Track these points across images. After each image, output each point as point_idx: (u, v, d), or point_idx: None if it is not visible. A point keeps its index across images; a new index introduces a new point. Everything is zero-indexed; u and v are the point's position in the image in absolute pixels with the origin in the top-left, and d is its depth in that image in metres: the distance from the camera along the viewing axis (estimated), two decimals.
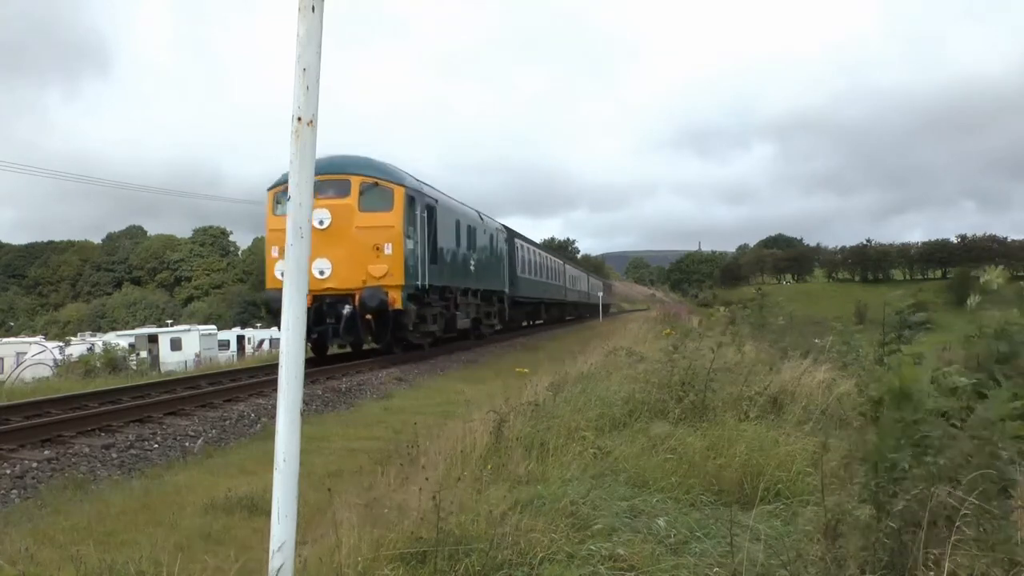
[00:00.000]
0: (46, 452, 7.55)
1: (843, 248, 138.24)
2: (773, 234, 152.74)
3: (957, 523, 2.68)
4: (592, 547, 3.52)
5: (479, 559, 3.35)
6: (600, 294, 55.58)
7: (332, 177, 15.97)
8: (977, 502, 2.71)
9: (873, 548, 2.84)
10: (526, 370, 6.50)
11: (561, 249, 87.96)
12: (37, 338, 46.51)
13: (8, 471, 6.84)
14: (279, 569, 2.71)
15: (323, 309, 15.96)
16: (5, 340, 44.49)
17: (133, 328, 55.46)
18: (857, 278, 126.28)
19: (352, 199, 16.24)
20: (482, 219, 25.16)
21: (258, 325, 55.94)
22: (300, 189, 2.78)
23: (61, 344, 40.16)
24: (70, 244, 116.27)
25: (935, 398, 3.12)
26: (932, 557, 2.65)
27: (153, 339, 40.33)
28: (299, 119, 2.77)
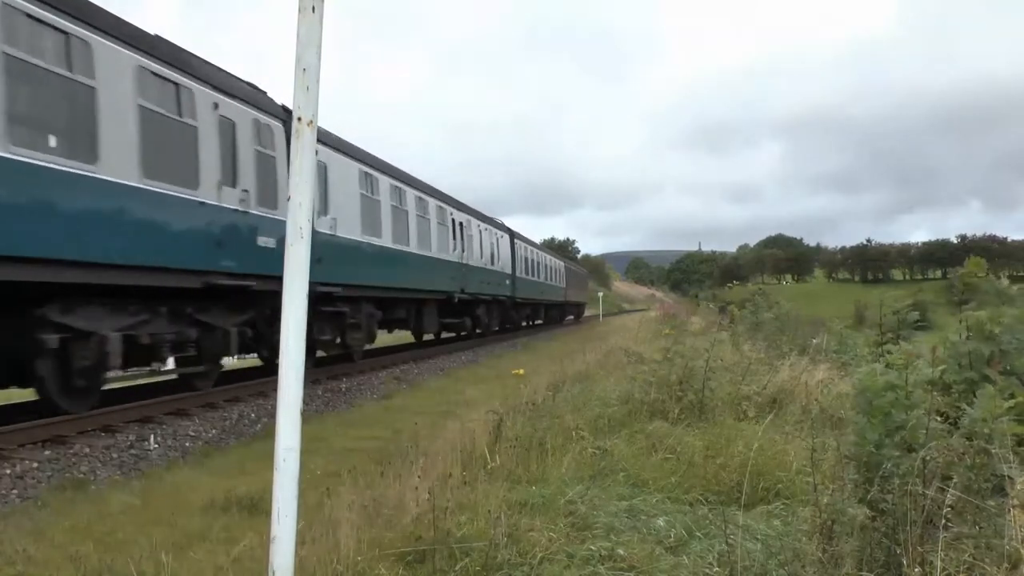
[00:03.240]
0: (46, 452, 7.55)
1: (843, 248, 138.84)
2: (774, 234, 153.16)
3: (948, 520, 2.69)
4: (591, 547, 3.53)
5: (478, 558, 3.36)
6: (599, 293, 49.05)
7: None
8: (969, 499, 2.72)
9: (869, 547, 2.85)
10: (522, 371, 6.53)
11: (561, 249, 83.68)
12: None
13: (8, 471, 6.84)
14: (279, 568, 2.72)
15: None
16: None
17: None
18: (857, 278, 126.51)
19: None
20: None
21: None
22: (300, 189, 2.79)
23: None
24: None
25: (904, 394, 3.12)
26: (923, 554, 2.65)
27: None
28: (299, 119, 2.78)
